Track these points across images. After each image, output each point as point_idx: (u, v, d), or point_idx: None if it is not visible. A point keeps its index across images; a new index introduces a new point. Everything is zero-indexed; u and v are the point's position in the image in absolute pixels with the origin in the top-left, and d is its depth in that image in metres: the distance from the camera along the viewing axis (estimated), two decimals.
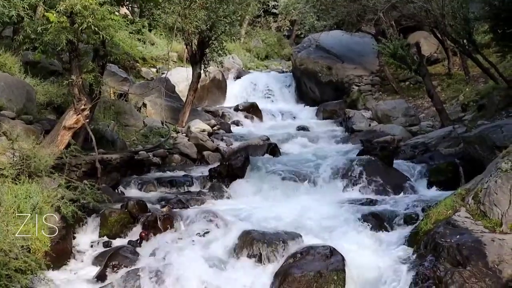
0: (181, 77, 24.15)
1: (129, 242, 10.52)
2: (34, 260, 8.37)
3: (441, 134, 16.00)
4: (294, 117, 25.17)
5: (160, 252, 9.86)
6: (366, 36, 26.75)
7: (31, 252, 8.62)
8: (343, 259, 8.79)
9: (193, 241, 10.35)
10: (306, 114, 25.67)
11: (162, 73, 25.85)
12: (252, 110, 24.92)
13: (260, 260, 9.33)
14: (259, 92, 29.25)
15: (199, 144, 17.66)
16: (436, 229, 8.63)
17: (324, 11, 24.31)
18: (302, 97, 28.52)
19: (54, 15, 10.97)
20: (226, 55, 23.64)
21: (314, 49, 27.98)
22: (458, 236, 8.08)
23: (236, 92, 29.11)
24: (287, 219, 10.92)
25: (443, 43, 22.62)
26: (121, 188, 13.88)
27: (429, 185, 13.12)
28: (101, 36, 11.53)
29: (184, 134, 18.96)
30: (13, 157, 10.26)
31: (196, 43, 20.80)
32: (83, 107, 12.50)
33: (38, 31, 11.40)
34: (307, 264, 8.77)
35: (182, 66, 26.86)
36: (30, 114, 14.02)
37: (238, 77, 31.21)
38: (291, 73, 30.53)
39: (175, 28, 19.07)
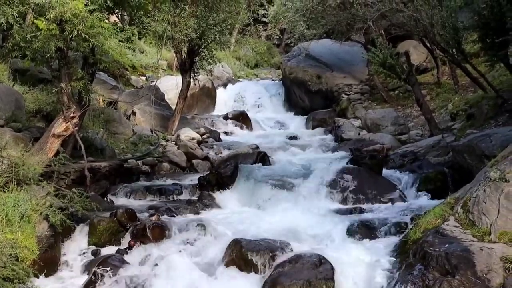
0: (170, 85, 24.13)
1: (118, 250, 10.48)
2: (22, 269, 8.34)
3: (430, 143, 16.03)
4: (284, 126, 25.24)
5: (149, 261, 9.86)
6: (355, 45, 26.80)
7: (19, 260, 8.57)
8: (332, 268, 8.78)
9: (182, 249, 10.35)
10: (296, 122, 25.72)
11: (152, 81, 25.86)
12: (241, 118, 24.96)
13: (249, 269, 9.32)
14: (248, 101, 29.30)
15: (188, 152, 17.66)
16: (425, 238, 8.63)
17: (314, 20, 24.34)
18: (292, 106, 28.57)
19: (44, 22, 10.96)
20: (216, 63, 23.71)
21: (304, 57, 28.05)
22: (446, 245, 8.08)
23: (226, 101, 29.19)
24: (276, 228, 10.92)
25: (432, 52, 22.67)
26: (110, 196, 13.86)
27: (418, 194, 13.11)
28: (90, 44, 11.55)
29: (174, 143, 18.96)
30: (2, 165, 10.21)
31: (186, 51, 20.85)
32: (72, 115, 12.49)
33: (27, 39, 11.38)
34: (296, 272, 8.76)
35: (171, 74, 26.82)
36: (19, 121, 14.01)
37: (227, 85, 31.24)
38: (281, 82, 30.58)
39: (165, 36, 19.07)
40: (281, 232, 10.62)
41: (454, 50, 16.80)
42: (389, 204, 12.58)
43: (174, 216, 12.02)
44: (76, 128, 12.84)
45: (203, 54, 21.25)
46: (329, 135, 22.03)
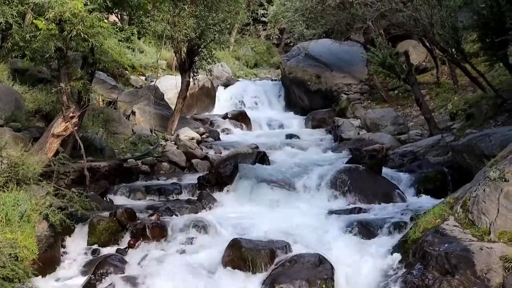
0: (170, 85, 24.11)
1: (118, 250, 10.47)
2: (22, 268, 8.34)
3: (429, 143, 16.02)
4: (283, 126, 25.19)
5: (148, 261, 9.85)
6: (355, 45, 26.78)
7: (19, 260, 8.57)
8: (332, 267, 8.79)
9: (181, 249, 10.34)
10: (295, 122, 25.70)
11: (151, 81, 25.78)
12: (241, 118, 24.95)
13: (248, 269, 9.30)
14: (248, 100, 29.26)
15: (188, 152, 17.62)
16: (424, 237, 8.64)
17: (313, 20, 24.30)
18: (291, 105, 28.55)
19: (43, 22, 10.96)
20: (215, 63, 23.70)
21: (303, 57, 28.05)
22: (446, 245, 8.09)
23: (225, 100, 29.16)
24: (275, 228, 10.88)
25: (431, 52, 22.65)
26: (109, 196, 13.83)
27: (418, 194, 13.12)
28: (90, 44, 11.54)
29: (173, 142, 18.92)
30: (1, 164, 10.20)
31: (185, 51, 20.82)
32: (71, 114, 12.47)
33: (26, 39, 11.38)
34: (295, 272, 8.75)
35: (171, 74, 26.82)
36: (19, 121, 14.00)
37: (227, 85, 31.21)
38: (280, 82, 30.55)
39: (164, 36, 19.05)
40: (281, 232, 10.60)
41: (453, 50, 16.80)
42: (389, 203, 12.54)
43: (173, 215, 12.02)
44: (76, 128, 12.83)
45: (202, 53, 21.22)
46: (329, 135, 22.03)
